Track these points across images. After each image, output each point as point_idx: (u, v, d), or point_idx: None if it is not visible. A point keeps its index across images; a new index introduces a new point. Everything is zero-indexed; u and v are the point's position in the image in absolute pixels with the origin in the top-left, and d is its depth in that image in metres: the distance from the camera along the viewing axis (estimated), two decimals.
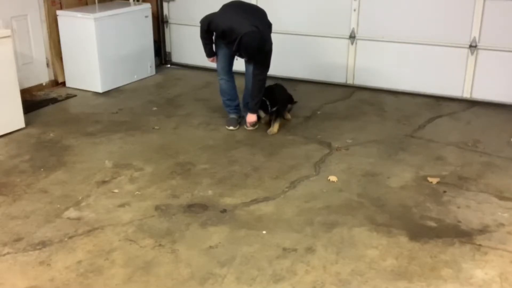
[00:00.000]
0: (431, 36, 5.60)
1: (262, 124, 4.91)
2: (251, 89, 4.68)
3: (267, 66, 4.59)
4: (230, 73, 4.87)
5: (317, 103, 5.51)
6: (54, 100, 5.63)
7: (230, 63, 4.82)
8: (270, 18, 4.68)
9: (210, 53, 4.82)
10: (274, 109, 4.79)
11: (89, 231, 3.30)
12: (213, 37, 4.72)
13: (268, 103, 4.73)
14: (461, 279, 2.87)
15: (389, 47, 5.82)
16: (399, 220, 3.42)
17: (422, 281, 2.86)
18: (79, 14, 5.74)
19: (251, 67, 4.75)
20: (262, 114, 4.81)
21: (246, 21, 4.34)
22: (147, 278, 2.88)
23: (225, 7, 4.61)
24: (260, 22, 4.43)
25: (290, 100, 5.14)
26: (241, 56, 4.57)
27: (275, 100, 4.78)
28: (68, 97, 5.77)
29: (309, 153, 4.40)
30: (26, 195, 3.73)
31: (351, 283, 2.84)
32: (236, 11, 4.47)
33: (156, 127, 4.94)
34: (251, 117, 4.75)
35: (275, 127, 4.77)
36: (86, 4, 6.23)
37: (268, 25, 4.61)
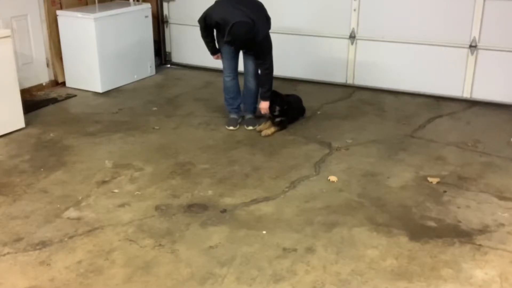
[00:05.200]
0: (431, 36, 5.60)
1: (263, 125, 4.90)
2: (260, 78, 4.72)
3: (266, 55, 4.59)
4: (235, 71, 4.87)
5: (317, 103, 5.51)
6: (54, 100, 5.63)
7: (235, 60, 4.82)
8: (271, 18, 4.67)
9: (213, 51, 4.83)
10: (278, 119, 4.80)
11: (89, 231, 3.30)
12: (214, 35, 4.73)
13: (278, 108, 4.76)
14: (461, 279, 2.87)
15: (389, 47, 5.82)
16: (399, 220, 3.42)
17: (422, 281, 2.86)
18: (79, 14, 5.74)
19: (250, 66, 4.77)
20: (276, 109, 4.77)
21: (239, 12, 4.35)
22: (147, 278, 2.88)
23: (221, 0, 4.63)
24: (254, 13, 4.43)
25: (301, 112, 5.14)
26: (236, 46, 4.59)
27: (286, 112, 4.81)
28: (68, 97, 5.77)
29: (309, 153, 4.40)
30: (26, 195, 3.73)
31: (351, 283, 2.84)
32: (231, 3, 4.48)
33: (156, 127, 4.94)
34: (263, 104, 4.75)
35: (270, 129, 4.76)
36: (86, 4, 6.23)
37: (267, 18, 4.62)
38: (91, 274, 2.91)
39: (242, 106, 5.03)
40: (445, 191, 3.78)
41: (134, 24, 6.19)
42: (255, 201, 3.65)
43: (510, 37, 5.30)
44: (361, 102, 5.64)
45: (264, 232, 3.28)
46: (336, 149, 4.46)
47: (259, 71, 4.70)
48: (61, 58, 6.00)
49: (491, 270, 2.94)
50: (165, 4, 6.84)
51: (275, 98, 4.76)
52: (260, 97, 4.79)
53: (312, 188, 3.82)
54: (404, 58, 5.80)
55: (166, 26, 6.92)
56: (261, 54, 4.59)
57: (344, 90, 5.98)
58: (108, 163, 4.20)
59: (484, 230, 3.31)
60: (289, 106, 4.84)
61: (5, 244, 3.16)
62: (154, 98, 5.75)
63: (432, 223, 3.39)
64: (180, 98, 5.77)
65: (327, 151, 4.44)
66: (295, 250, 3.11)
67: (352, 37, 5.93)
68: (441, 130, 4.89)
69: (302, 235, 3.25)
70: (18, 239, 3.22)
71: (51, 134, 4.76)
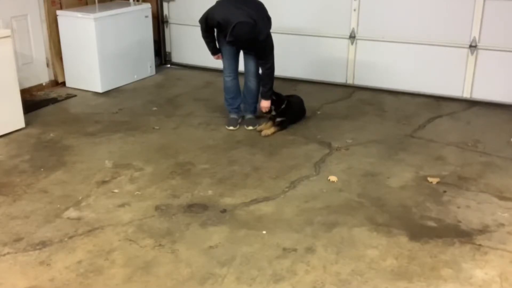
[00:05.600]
0: (431, 36, 5.60)
1: (263, 125, 4.90)
2: (261, 77, 4.72)
3: (268, 55, 4.61)
4: (236, 71, 4.88)
5: (317, 103, 5.51)
6: (54, 100, 5.63)
7: (236, 60, 4.83)
8: (271, 18, 4.67)
9: (214, 51, 4.84)
10: (279, 119, 4.81)
11: (89, 231, 3.30)
12: (215, 34, 4.73)
13: (273, 107, 4.77)
14: (461, 279, 2.87)
15: (389, 47, 5.82)
16: (399, 220, 3.42)
17: (422, 281, 2.86)
18: (79, 14, 5.74)
19: (250, 65, 4.78)
20: (273, 108, 4.79)
21: (241, 12, 4.37)
22: (147, 278, 2.88)
23: (222, 0, 4.63)
24: (256, 13, 4.44)
25: (302, 113, 5.12)
26: (238, 47, 4.61)
27: (286, 112, 4.82)
28: (68, 97, 5.77)
29: (309, 153, 4.40)
30: (26, 195, 3.73)
31: (351, 283, 2.84)
32: (233, 3, 4.48)
33: (156, 127, 4.94)
34: (264, 103, 4.75)
35: (270, 130, 4.76)
36: (86, 4, 6.23)
37: (267, 18, 4.62)
38: (91, 274, 2.91)
39: (242, 106, 5.03)
40: (445, 191, 3.78)
41: (134, 24, 6.19)
42: (255, 201, 3.65)
43: (510, 37, 5.30)
44: (361, 102, 5.64)
45: (264, 232, 3.28)
46: (336, 149, 4.46)
47: (261, 70, 4.70)
48: (61, 58, 6.00)
49: (491, 270, 2.94)
50: (165, 4, 6.84)
51: (273, 97, 4.76)
52: (261, 96, 4.79)
53: (312, 188, 3.82)
54: (404, 58, 5.80)
55: (166, 26, 6.92)
56: (262, 54, 4.60)
57: (344, 90, 5.98)
58: (108, 163, 4.20)
59: (484, 230, 3.31)
60: (289, 106, 4.85)
61: (5, 244, 3.16)
62: (154, 98, 5.75)
63: (432, 223, 3.39)
64: (180, 98, 5.77)
65: (327, 151, 4.44)
66: (295, 250, 3.11)
67: (352, 37, 5.93)
68: (441, 130, 4.89)
69: (302, 235, 3.25)
70: (18, 239, 3.22)
71: (51, 134, 4.76)
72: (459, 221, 3.41)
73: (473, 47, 5.46)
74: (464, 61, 5.53)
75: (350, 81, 6.10)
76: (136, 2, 6.46)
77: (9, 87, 4.69)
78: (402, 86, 5.87)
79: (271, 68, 4.65)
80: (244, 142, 4.64)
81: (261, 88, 4.76)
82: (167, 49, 7.01)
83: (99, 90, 5.88)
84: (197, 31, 4.77)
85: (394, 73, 5.87)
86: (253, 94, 4.93)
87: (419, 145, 4.55)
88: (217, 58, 4.92)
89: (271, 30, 4.66)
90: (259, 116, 4.98)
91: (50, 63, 5.98)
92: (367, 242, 3.19)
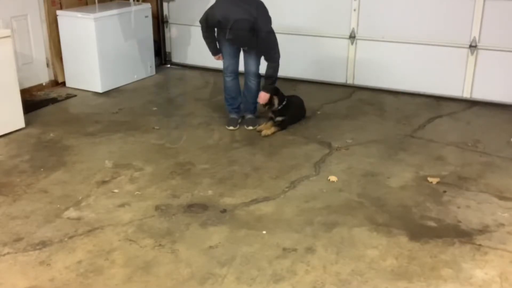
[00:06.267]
0: (431, 36, 5.60)
1: (263, 125, 4.90)
2: (266, 71, 4.71)
3: (271, 51, 4.62)
4: (236, 71, 4.88)
5: (317, 103, 5.51)
6: (54, 100, 5.63)
7: (236, 60, 4.83)
8: (271, 17, 4.67)
9: (214, 51, 4.85)
10: (280, 118, 4.81)
11: (89, 231, 3.30)
12: (215, 35, 4.74)
13: (278, 107, 4.78)
14: (461, 279, 2.87)
15: (389, 47, 5.82)
16: (399, 220, 3.42)
17: (422, 281, 2.86)
18: (79, 14, 5.74)
19: (250, 65, 4.78)
20: (275, 102, 4.78)
21: (241, 10, 4.39)
22: (147, 278, 2.88)
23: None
24: (256, 11, 4.46)
25: (303, 114, 5.12)
26: (237, 44, 4.61)
27: (286, 111, 4.82)
28: (68, 97, 5.77)
29: (309, 153, 4.40)
30: (26, 195, 3.73)
31: (351, 283, 2.84)
32: (233, 1, 4.49)
33: (156, 127, 4.94)
34: (263, 95, 4.73)
35: (270, 130, 4.76)
36: (86, 4, 6.23)
37: (267, 17, 4.63)
38: (91, 274, 2.91)
39: (242, 106, 5.03)
40: (445, 191, 3.78)
41: (134, 24, 6.18)
42: (255, 201, 3.65)
43: (510, 37, 5.30)
44: (361, 102, 5.65)
45: (264, 232, 3.28)
46: (336, 149, 4.46)
47: (267, 64, 4.69)
48: (61, 58, 6.00)
49: (491, 270, 2.94)
50: (165, 4, 6.84)
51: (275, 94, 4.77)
52: (262, 88, 4.77)
53: (312, 188, 3.82)
54: (404, 58, 5.80)
55: (166, 26, 6.92)
56: (265, 50, 4.61)
57: (344, 90, 5.98)
58: (108, 163, 4.20)
59: (484, 230, 3.31)
60: (289, 106, 4.84)
61: (5, 244, 3.16)
62: (154, 98, 5.75)
63: (432, 223, 3.39)
64: (180, 98, 5.77)
65: (327, 151, 4.44)
66: (295, 250, 3.11)
67: (352, 37, 5.93)
68: (441, 130, 4.89)
69: (302, 235, 3.25)
70: (18, 239, 3.22)
71: (51, 134, 4.76)
72: (459, 221, 3.41)
73: (473, 47, 5.46)
74: (464, 61, 5.53)
75: (350, 81, 6.10)
76: (136, 2, 6.46)
77: (9, 87, 4.70)
78: (402, 86, 5.87)
79: (277, 61, 4.65)
80: (244, 142, 4.64)
81: (264, 81, 4.74)
82: (167, 49, 7.01)
83: (99, 90, 5.88)
84: (197, 31, 4.78)
85: (394, 73, 5.87)
86: (253, 94, 4.93)
87: (419, 145, 4.55)
88: (218, 59, 4.92)
89: None
90: (259, 116, 4.98)
91: (50, 63, 5.98)
92: (367, 242, 3.19)
